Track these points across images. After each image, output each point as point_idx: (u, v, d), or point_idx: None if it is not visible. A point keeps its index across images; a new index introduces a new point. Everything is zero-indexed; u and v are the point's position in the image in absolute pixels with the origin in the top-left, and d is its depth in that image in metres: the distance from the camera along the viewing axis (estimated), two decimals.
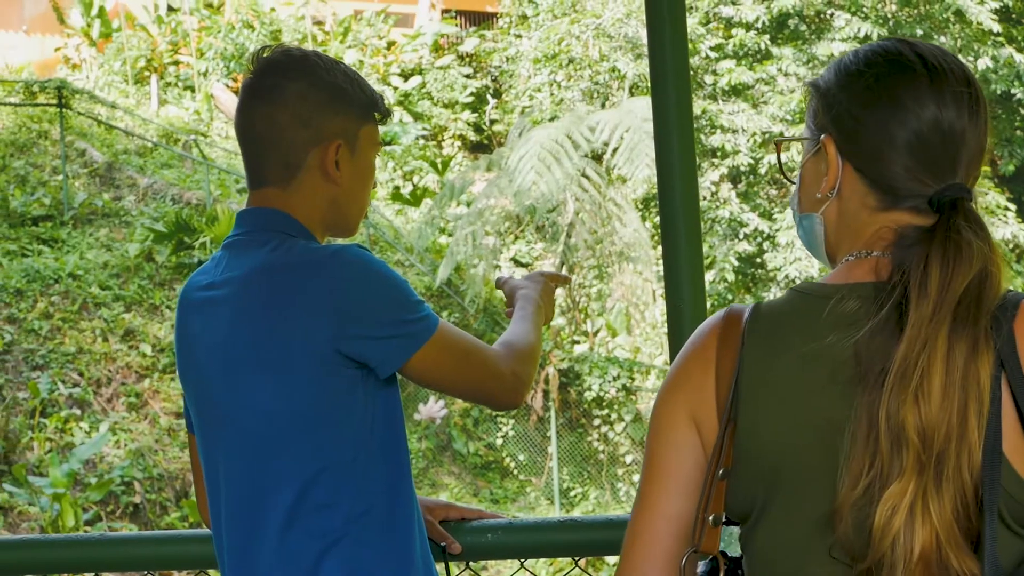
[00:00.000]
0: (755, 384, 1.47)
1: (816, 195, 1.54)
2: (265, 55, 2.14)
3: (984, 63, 17.85)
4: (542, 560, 12.34)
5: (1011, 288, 1.44)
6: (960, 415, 1.35)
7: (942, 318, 1.37)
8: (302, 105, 2.09)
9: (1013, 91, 18.11)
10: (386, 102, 2.21)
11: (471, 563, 2.35)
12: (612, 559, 12.54)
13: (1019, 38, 19.06)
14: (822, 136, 1.53)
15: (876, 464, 1.37)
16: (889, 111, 1.48)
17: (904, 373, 1.37)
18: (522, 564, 2.45)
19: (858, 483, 1.38)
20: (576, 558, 2.40)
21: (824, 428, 1.42)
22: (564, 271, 16.89)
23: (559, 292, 17.06)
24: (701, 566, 1.53)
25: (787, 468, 1.45)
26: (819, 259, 1.58)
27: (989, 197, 16.89)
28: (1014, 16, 19.37)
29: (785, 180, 1.57)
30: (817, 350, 1.44)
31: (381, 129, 2.24)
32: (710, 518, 1.47)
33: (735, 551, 1.55)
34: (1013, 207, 17.63)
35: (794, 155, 17.16)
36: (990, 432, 1.36)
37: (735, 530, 1.54)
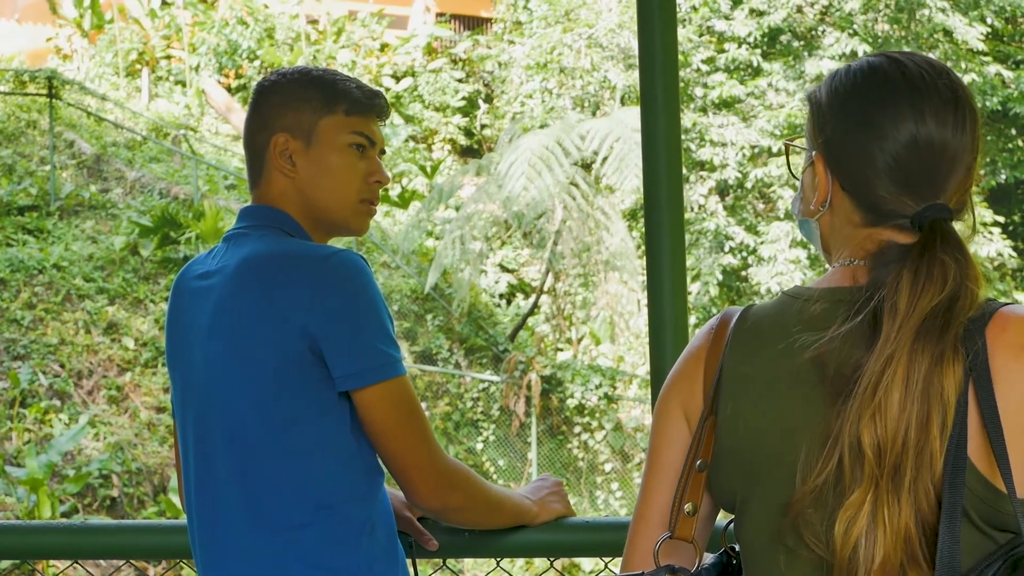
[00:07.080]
0: (734, 380, 1.52)
1: (811, 205, 1.59)
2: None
3: (971, 78, 17.89)
4: (519, 561, 12.34)
5: (990, 298, 1.47)
6: (919, 428, 1.39)
7: (905, 335, 1.41)
8: (264, 109, 2.20)
9: (999, 108, 18.15)
10: (369, 95, 2.20)
11: (447, 561, 2.37)
12: (588, 563, 12.55)
13: (1007, 56, 19.12)
14: (813, 153, 1.57)
15: (830, 469, 1.41)
16: (869, 135, 1.52)
17: (866, 389, 1.41)
18: (498, 563, 2.46)
19: (807, 482, 1.43)
20: (552, 559, 2.42)
21: (789, 424, 1.47)
22: (550, 278, 16.91)
23: (544, 299, 17.07)
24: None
25: (761, 462, 1.49)
26: (825, 260, 1.62)
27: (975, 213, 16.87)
28: (1004, 38, 19.45)
29: (795, 180, 1.63)
30: (787, 349, 1.49)
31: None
32: (686, 507, 1.53)
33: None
34: (999, 224, 17.67)
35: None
36: (953, 437, 1.38)
37: None
